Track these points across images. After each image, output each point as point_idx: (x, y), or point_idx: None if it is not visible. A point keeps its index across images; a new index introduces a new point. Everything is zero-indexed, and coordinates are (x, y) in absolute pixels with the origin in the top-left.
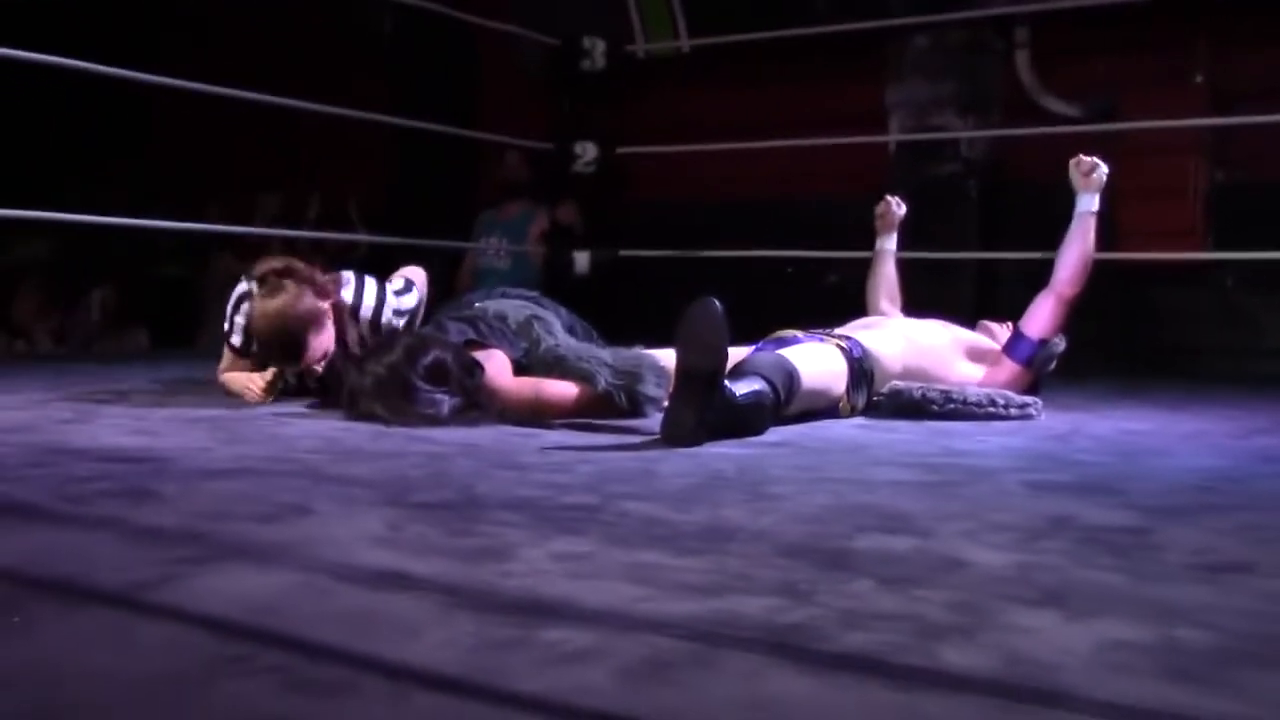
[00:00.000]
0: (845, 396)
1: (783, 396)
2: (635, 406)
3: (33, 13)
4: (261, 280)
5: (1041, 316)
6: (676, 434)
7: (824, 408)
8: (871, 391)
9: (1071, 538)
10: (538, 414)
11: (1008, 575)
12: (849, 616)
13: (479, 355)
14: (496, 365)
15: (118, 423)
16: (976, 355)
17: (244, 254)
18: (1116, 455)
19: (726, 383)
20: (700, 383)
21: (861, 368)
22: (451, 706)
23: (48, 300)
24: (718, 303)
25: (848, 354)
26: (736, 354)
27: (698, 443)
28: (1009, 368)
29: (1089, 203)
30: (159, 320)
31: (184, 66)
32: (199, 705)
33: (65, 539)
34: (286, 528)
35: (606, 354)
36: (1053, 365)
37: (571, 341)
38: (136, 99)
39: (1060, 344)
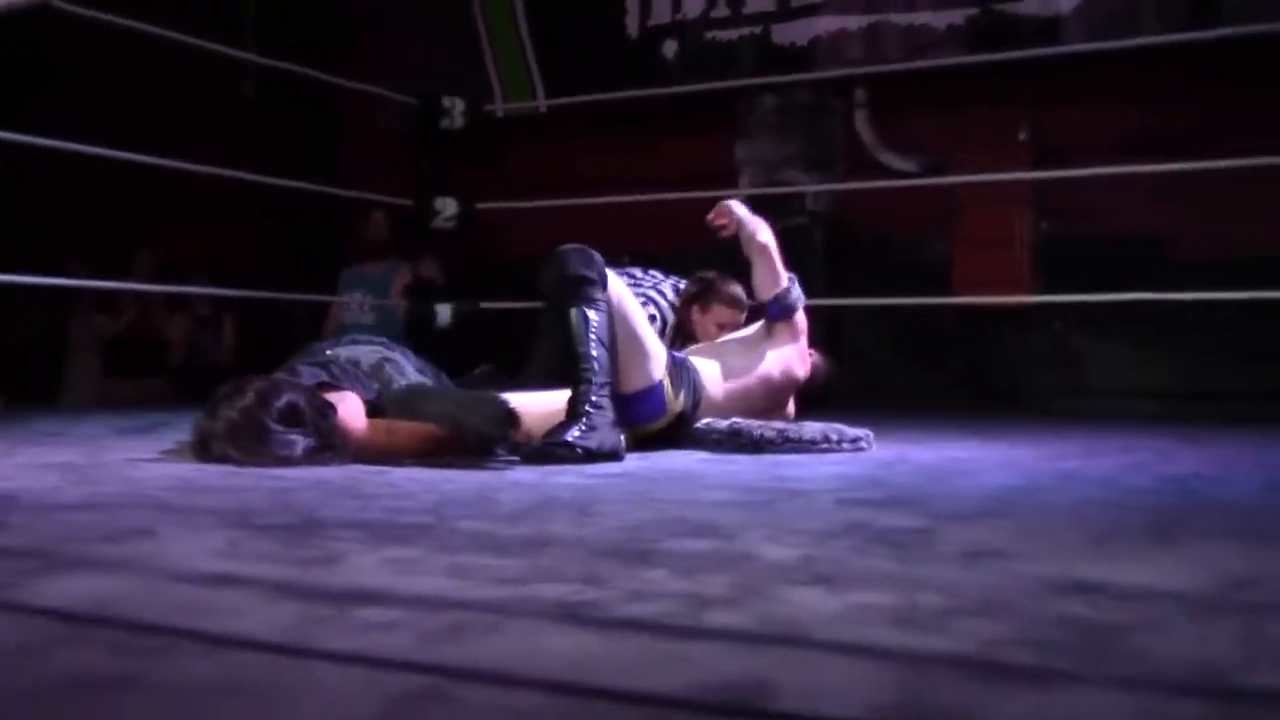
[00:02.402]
0: (668, 378)
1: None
2: (483, 443)
3: None
4: None
5: (764, 279)
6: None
7: (641, 385)
8: (698, 400)
9: (860, 537)
10: (390, 453)
11: (789, 565)
12: (635, 595)
13: (332, 397)
14: (349, 406)
15: None
16: (756, 340)
17: (114, 311)
18: (929, 477)
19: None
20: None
21: (678, 365)
22: (265, 660)
23: None
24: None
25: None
26: None
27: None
28: (778, 329)
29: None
30: (11, 380)
31: (48, 125)
32: (38, 668)
33: None
34: (130, 547)
35: (455, 394)
36: (801, 297)
37: (424, 381)
38: None
39: (792, 281)
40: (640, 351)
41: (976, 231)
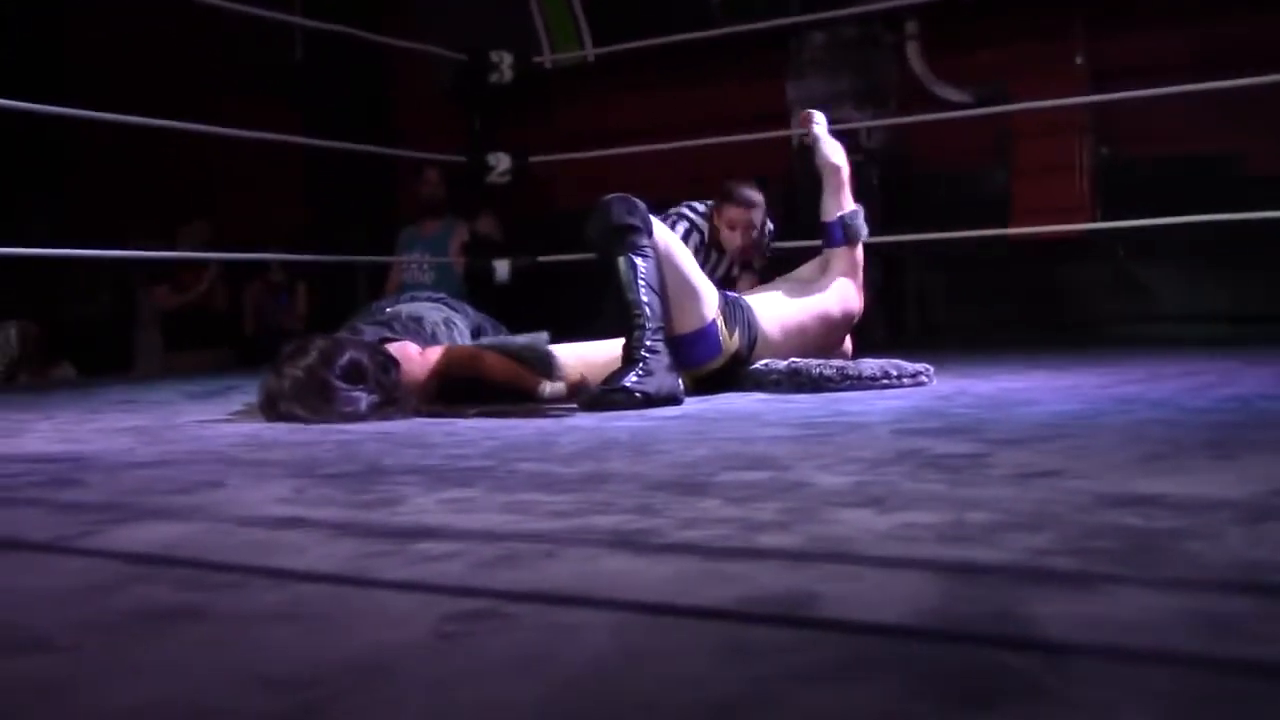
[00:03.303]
0: (721, 318)
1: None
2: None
3: None
4: None
5: (829, 201)
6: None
7: (695, 326)
8: (754, 339)
9: (913, 462)
10: (470, 374)
11: (841, 490)
12: (688, 522)
13: (394, 349)
14: (410, 355)
15: (44, 435)
16: (811, 277)
17: (178, 284)
18: (988, 407)
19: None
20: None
21: (731, 304)
22: (326, 590)
23: None
24: None
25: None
26: None
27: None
28: (837, 255)
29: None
30: (85, 353)
31: (96, 102)
32: (109, 603)
33: None
34: (200, 497)
35: (511, 343)
36: (864, 228)
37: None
38: (51, 135)
39: (857, 210)
40: (691, 294)
41: (1035, 160)
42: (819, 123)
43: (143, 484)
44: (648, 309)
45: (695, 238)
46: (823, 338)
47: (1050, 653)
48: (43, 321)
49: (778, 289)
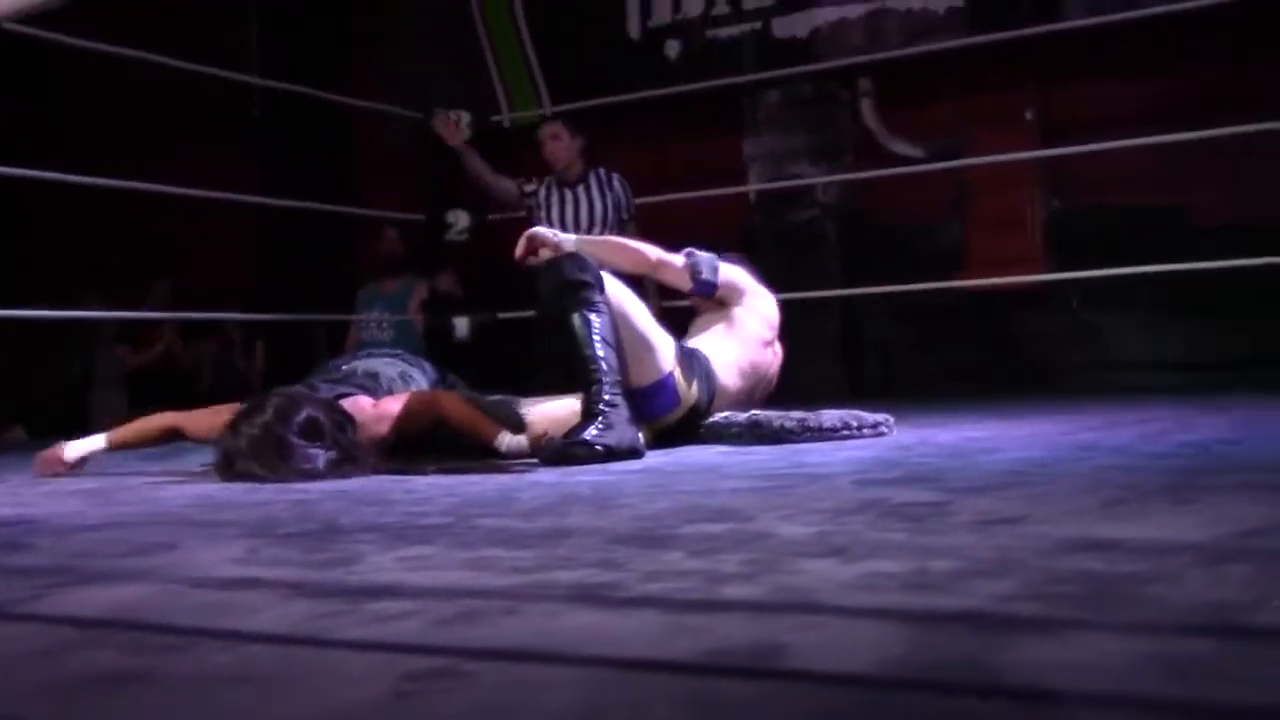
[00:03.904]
0: (679, 369)
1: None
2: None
3: None
4: None
5: (668, 276)
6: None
7: (653, 379)
8: (713, 390)
9: (875, 512)
10: (431, 412)
11: (805, 540)
12: (651, 575)
13: (348, 405)
14: (364, 408)
15: None
16: (723, 316)
17: (139, 342)
18: (949, 456)
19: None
20: None
21: (689, 355)
22: (279, 651)
23: None
24: None
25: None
26: None
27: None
28: (726, 300)
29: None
30: (38, 416)
31: (52, 160)
32: (58, 667)
33: None
34: (152, 559)
35: (479, 400)
36: (709, 264)
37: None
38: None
39: (691, 255)
40: (646, 346)
41: (989, 213)
42: (540, 232)
43: (93, 546)
44: (604, 363)
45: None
46: (764, 381)
47: (1018, 699)
48: None
49: (712, 335)
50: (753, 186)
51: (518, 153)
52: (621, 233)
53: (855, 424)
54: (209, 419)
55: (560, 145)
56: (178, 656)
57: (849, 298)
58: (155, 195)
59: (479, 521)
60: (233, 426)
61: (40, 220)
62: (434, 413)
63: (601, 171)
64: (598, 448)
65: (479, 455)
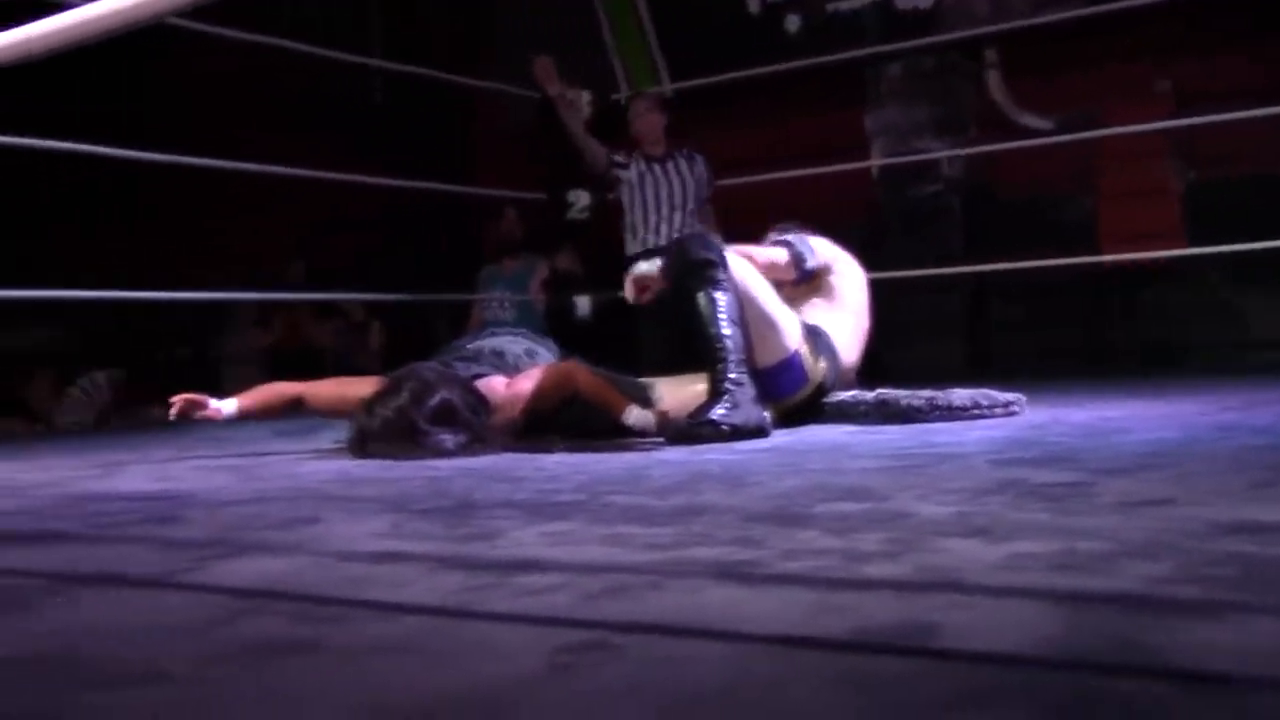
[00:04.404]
0: (805, 347)
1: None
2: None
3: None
4: None
5: (775, 272)
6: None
7: (778, 358)
8: (836, 367)
9: (1015, 492)
10: (566, 386)
11: (944, 520)
12: (790, 554)
13: (480, 386)
14: (497, 385)
15: (142, 473)
16: (827, 294)
17: (268, 324)
18: (1084, 436)
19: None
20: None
21: (814, 333)
22: (432, 623)
23: (60, 381)
24: None
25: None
26: None
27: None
28: (824, 285)
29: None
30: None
31: (180, 146)
32: (223, 637)
33: (100, 552)
34: (298, 533)
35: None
36: (801, 237)
37: None
38: (126, 178)
39: (787, 238)
40: (771, 325)
41: (1121, 187)
42: (640, 270)
43: (242, 520)
44: (729, 342)
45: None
46: (866, 333)
47: (1182, 681)
48: (133, 366)
49: (818, 310)
50: (875, 161)
51: None
52: (700, 213)
53: (986, 403)
54: (331, 389)
55: (654, 120)
56: (339, 627)
57: (973, 274)
58: (282, 180)
59: (611, 498)
60: (368, 407)
61: (161, 203)
62: (569, 385)
63: (686, 151)
64: (724, 427)
65: (604, 435)
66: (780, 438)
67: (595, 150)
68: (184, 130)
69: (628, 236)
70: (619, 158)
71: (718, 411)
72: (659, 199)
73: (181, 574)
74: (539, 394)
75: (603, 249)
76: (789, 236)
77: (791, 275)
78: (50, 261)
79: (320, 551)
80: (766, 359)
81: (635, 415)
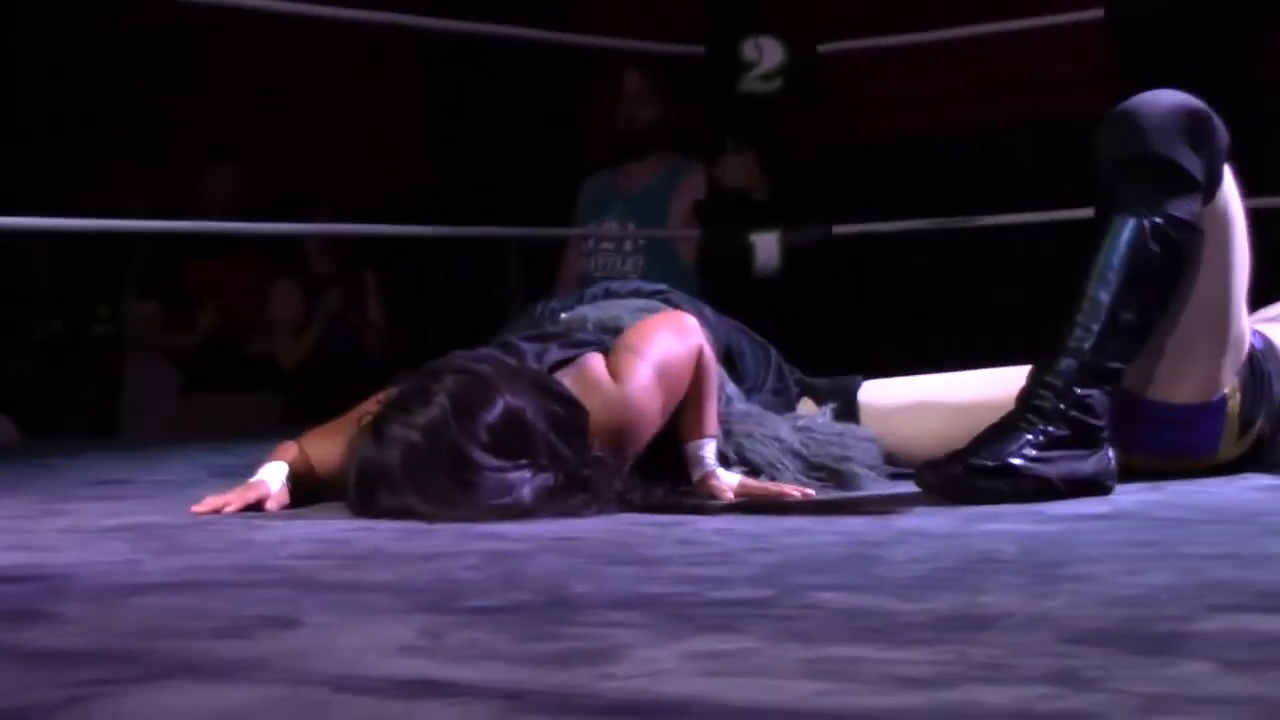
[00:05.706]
0: (1239, 395)
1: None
2: (843, 482)
3: None
4: None
5: None
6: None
7: (1188, 398)
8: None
9: None
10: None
11: None
12: (1155, 702)
13: (568, 380)
14: (600, 378)
15: None
16: None
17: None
18: None
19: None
20: None
21: (1257, 369)
22: None
23: None
24: None
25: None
26: None
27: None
28: None
29: None
30: (32, 402)
31: None
32: None
33: None
34: (262, 643)
35: (788, 424)
36: None
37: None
38: None
39: None
40: (1211, 332)
41: None
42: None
43: (159, 620)
44: (1107, 325)
45: None
46: None
47: None
48: None
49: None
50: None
51: None
52: None
53: None
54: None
55: None
56: None
57: None
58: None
59: (819, 596)
60: (376, 428)
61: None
62: (694, 352)
63: None
64: (1029, 478)
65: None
66: (1131, 493)
67: None
68: None
69: None
70: None
71: (1024, 449)
72: None
73: (50, 715)
74: (670, 369)
75: (801, 150)
76: None
77: None
78: None
79: (298, 677)
80: (1170, 392)
81: (710, 460)
